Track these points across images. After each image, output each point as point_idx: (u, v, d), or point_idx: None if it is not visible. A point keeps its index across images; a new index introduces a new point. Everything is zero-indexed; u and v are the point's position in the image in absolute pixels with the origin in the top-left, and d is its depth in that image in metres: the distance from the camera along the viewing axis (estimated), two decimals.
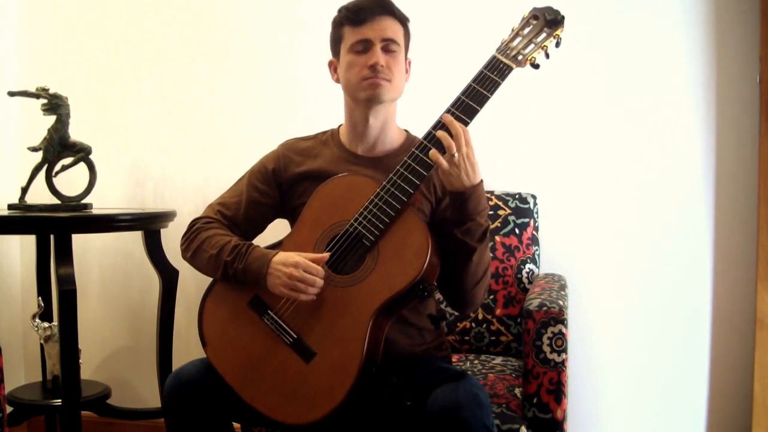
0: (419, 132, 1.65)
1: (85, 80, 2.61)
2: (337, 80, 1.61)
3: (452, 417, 1.31)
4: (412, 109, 1.82)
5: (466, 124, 1.41)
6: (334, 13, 1.60)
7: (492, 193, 2.17)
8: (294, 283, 1.42)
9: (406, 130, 1.68)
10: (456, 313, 2.08)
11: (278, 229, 1.70)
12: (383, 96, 1.54)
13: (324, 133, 1.71)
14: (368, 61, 1.52)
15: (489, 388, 1.74)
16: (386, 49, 1.53)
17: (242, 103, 2.50)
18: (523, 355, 1.67)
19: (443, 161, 1.38)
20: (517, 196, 2.17)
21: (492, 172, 2.26)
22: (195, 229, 1.62)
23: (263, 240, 1.62)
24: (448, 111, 1.42)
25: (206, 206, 1.69)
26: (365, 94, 1.54)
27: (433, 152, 1.39)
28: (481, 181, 1.43)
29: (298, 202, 1.60)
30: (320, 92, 2.36)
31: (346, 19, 1.55)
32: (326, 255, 1.45)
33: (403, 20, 1.58)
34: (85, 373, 2.50)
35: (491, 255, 2.09)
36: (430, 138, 1.42)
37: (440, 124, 1.41)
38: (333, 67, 1.62)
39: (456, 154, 1.37)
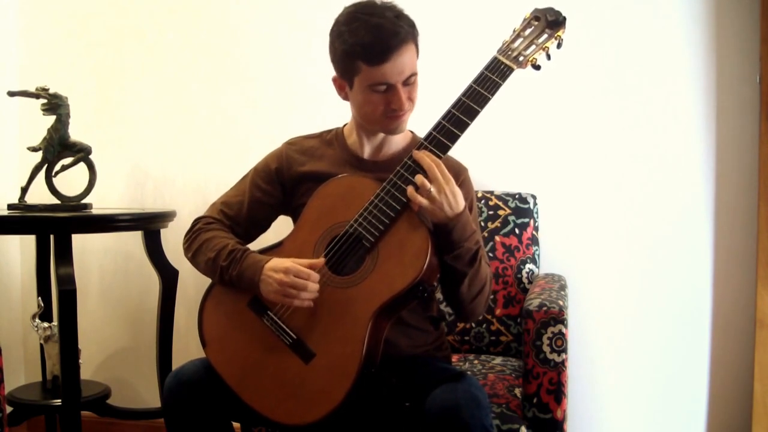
0: (418, 129, 1.66)
1: (85, 80, 2.61)
2: (345, 98, 1.57)
3: (451, 417, 1.30)
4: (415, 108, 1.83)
5: (466, 125, 1.41)
6: (335, 14, 1.57)
7: (492, 193, 2.17)
8: (285, 289, 1.41)
9: (411, 132, 1.67)
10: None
11: (280, 228, 1.70)
12: (401, 129, 1.53)
13: (329, 132, 1.69)
14: (390, 102, 1.46)
15: (489, 388, 1.74)
16: (407, 84, 1.47)
17: (242, 103, 2.50)
18: (523, 355, 1.66)
19: (421, 199, 1.38)
20: (517, 196, 2.17)
21: (492, 172, 2.26)
22: (196, 229, 1.62)
23: (266, 239, 1.62)
24: (448, 112, 1.43)
25: (209, 205, 1.69)
26: (384, 129, 1.54)
27: (410, 191, 1.40)
28: (465, 207, 1.43)
29: (300, 201, 1.59)
30: (320, 92, 2.35)
31: (362, 56, 1.43)
32: (321, 260, 1.45)
33: (415, 38, 1.48)
34: (85, 373, 2.50)
35: (491, 255, 2.09)
36: (406, 168, 1.42)
37: (412, 162, 1.41)
38: (338, 84, 1.56)
39: (432, 189, 1.37)
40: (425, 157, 1.39)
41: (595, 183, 2.27)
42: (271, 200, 1.65)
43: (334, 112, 1.68)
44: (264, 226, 1.69)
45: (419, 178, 1.38)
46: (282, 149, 1.68)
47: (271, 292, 1.44)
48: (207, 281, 1.59)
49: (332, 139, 1.67)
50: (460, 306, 1.53)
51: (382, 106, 1.47)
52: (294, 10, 2.44)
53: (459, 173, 1.57)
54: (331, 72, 1.59)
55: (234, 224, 1.63)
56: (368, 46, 1.41)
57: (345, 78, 1.52)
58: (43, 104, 2.21)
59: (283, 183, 1.64)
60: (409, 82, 1.47)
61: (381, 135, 1.59)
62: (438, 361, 1.59)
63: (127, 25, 2.58)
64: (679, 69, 2.20)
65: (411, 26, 1.47)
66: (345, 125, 1.68)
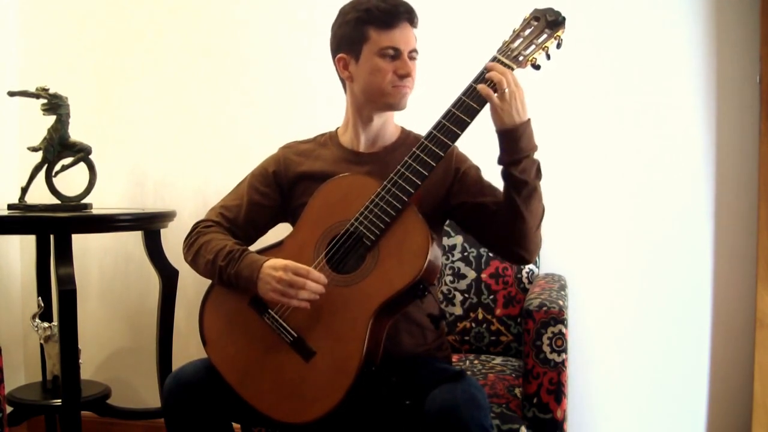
0: (417, 129, 1.66)
1: (85, 80, 2.61)
2: (348, 77, 1.59)
3: (450, 417, 1.30)
4: (413, 109, 1.82)
5: (466, 124, 1.42)
6: (335, 14, 1.60)
7: None
8: (283, 288, 1.42)
9: (401, 127, 1.69)
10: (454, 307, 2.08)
11: (279, 230, 1.70)
12: (404, 103, 1.57)
13: (322, 135, 1.71)
14: (398, 69, 1.52)
15: (489, 388, 1.74)
16: (410, 58, 1.54)
17: (242, 104, 2.50)
18: (523, 355, 1.67)
19: (495, 97, 1.38)
20: None
21: (492, 172, 2.25)
22: (195, 233, 1.62)
23: (264, 242, 1.62)
24: (448, 111, 1.43)
25: (209, 206, 1.70)
26: (391, 101, 1.55)
27: (482, 86, 1.40)
28: (529, 119, 1.43)
29: (299, 202, 1.60)
30: (320, 92, 2.36)
31: (374, 20, 1.52)
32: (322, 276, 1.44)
33: (416, 25, 1.58)
34: (85, 373, 2.50)
35: (491, 255, 2.09)
36: (472, 88, 1.42)
37: (484, 73, 1.41)
38: (343, 63, 1.59)
39: (506, 90, 1.38)
40: (497, 66, 1.40)
41: (594, 183, 2.27)
42: (269, 202, 1.65)
43: (334, 113, 1.68)
44: (262, 230, 1.69)
45: (496, 76, 1.39)
46: (278, 153, 1.70)
47: (269, 291, 1.44)
48: (207, 281, 1.59)
49: (326, 140, 1.69)
50: (527, 235, 1.48)
51: (390, 73, 1.52)
52: (294, 10, 2.44)
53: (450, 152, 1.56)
54: (331, 71, 1.60)
55: (233, 227, 1.64)
56: (381, 9, 1.52)
57: (352, 52, 1.56)
58: (43, 104, 2.21)
59: (281, 185, 1.65)
60: (413, 56, 1.55)
61: (376, 125, 1.61)
62: (438, 361, 1.59)
63: (127, 25, 2.58)
64: (679, 69, 2.20)
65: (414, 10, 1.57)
66: (337, 128, 1.70)
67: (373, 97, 1.56)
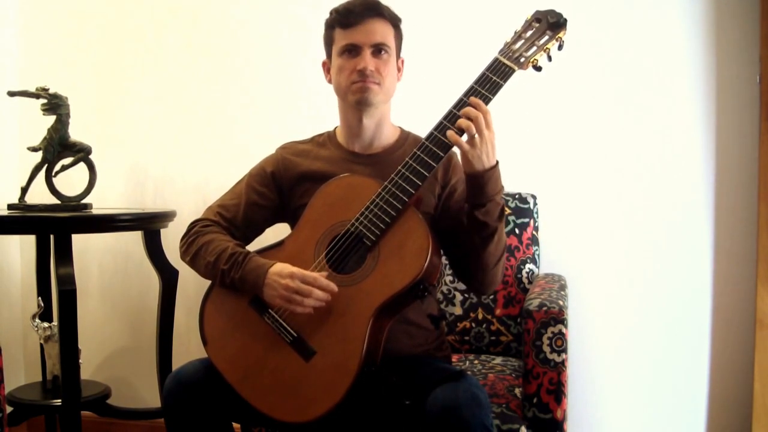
0: (416, 129, 1.66)
1: (85, 80, 2.61)
2: (330, 80, 1.63)
3: (451, 416, 1.31)
4: (414, 110, 1.82)
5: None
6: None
7: None
8: (290, 294, 1.42)
9: (400, 127, 1.69)
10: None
11: (279, 230, 1.70)
12: (371, 99, 1.55)
13: (320, 135, 1.72)
14: (357, 65, 1.53)
15: (489, 388, 1.74)
16: (376, 53, 1.54)
17: (242, 103, 2.50)
18: (523, 355, 1.67)
19: (464, 143, 1.39)
20: (517, 196, 2.17)
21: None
22: (193, 232, 1.62)
23: (263, 241, 1.62)
24: (450, 112, 1.43)
25: (206, 208, 1.70)
26: (354, 98, 1.55)
27: (451, 133, 1.39)
28: (497, 162, 1.44)
29: (299, 203, 1.61)
30: (320, 92, 2.36)
31: (336, 22, 1.56)
32: (324, 275, 1.44)
33: (393, 21, 1.58)
34: (85, 373, 2.50)
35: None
36: (451, 117, 1.42)
37: (463, 103, 1.41)
38: (326, 68, 1.64)
39: (476, 136, 1.38)
40: (471, 109, 1.38)
41: (594, 183, 2.27)
42: (267, 203, 1.65)
43: (334, 112, 1.68)
44: (260, 230, 1.70)
45: (465, 123, 1.38)
46: (277, 154, 1.70)
47: (275, 297, 1.44)
48: (207, 281, 1.59)
49: (324, 140, 1.69)
50: (484, 272, 1.51)
51: (351, 71, 1.54)
52: (294, 10, 2.44)
53: (450, 156, 1.58)
54: None
55: (231, 226, 1.64)
56: (342, 11, 1.55)
57: (327, 55, 1.61)
58: (43, 104, 2.21)
59: (280, 186, 1.65)
60: (380, 53, 1.54)
61: (369, 126, 1.61)
62: (438, 360, 1.59)
63: (127, 25, 2.58)
64: (679, 69, 2.20)
65: (391, 13, 1.58)
66: (336, 128, 1.70)
67: (342, 96, 1.59)
